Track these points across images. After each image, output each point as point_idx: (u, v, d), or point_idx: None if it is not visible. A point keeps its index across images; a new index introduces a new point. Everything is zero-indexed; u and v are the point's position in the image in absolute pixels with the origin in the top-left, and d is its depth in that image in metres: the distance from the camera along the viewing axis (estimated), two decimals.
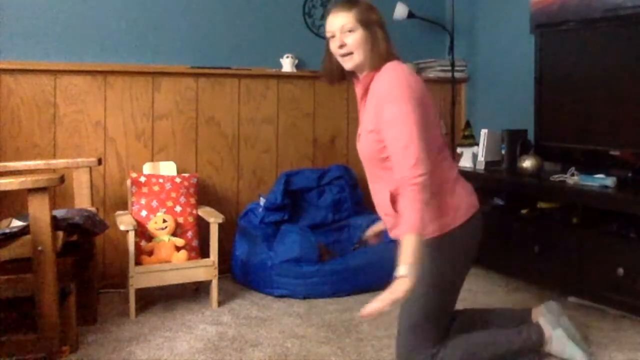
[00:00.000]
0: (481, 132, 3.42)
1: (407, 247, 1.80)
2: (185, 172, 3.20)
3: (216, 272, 2.86)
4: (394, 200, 2.01)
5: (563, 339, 2.22)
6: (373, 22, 2.06)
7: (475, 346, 2.12)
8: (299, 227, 3.17)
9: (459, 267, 2.11)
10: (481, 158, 3.40)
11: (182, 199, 3.01)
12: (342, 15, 2.03)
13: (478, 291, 3.11)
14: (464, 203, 2.07)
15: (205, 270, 2.84)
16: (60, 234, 2.34)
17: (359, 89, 2.12)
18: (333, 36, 2.05)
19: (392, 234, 2.09)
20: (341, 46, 2.03)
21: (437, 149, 2.04)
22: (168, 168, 3.16)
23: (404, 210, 1.87)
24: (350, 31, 2.02)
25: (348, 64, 2.05)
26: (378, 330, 2.60)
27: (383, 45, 2.06)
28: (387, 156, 1.99)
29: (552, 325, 2.22)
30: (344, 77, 2.17)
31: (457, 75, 3.88)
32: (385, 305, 1.77)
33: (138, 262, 2.78)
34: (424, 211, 1.85)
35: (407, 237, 1.82)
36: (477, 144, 3.50)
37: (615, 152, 2.86)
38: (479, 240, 2.14)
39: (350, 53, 2.03)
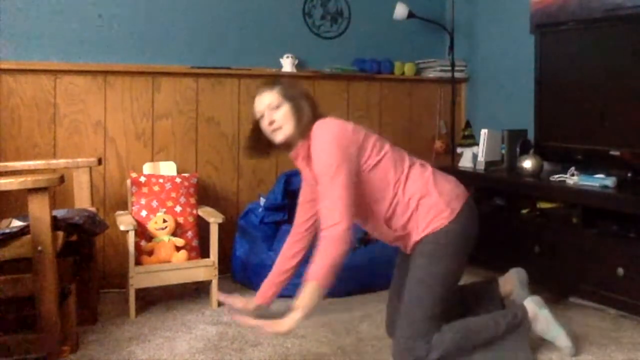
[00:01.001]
0: (481, 132, 3.42)
1: (305, 293, 1.94)
2: (185, 172, 3.20)
3: (216, 272, 2.86)
4: (390, 225, 2.19)
5: (549, 318, 2.30)
6: (297, 96, 2.20)
7: (466, 332, 2.16)
8: None
9: (461, 257, 2.19)
10: (481, 158, 3.40)
11: (182, 199, 3.01)
12: (266, 95, 2.18)
13: None
14: (453, 194, 2.20)
15: (205, 270, 2.84)
16: (60, 234, 2.34)
17: (300, 159, 2.24)
18: (262, 115, 2.19)
19: (409, 251, 2.24)
20: (270, 123, 2.16)
21: (396, 169, 2.17)
22: (168, 168, 3.16)
23: (316, 257, 1.98)
24: (277, 107, 2.16)
25: (279, 137, 2.17)
26: (378, 330, 2.60)
27: (309, 114, 2.18)
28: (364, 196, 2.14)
29: (538, 305, 2.29)
30: (268, 153, 2.32)
31: (457, 75, 3.88)
32: (263, 329, 1.94)
33: (138, 262, 2.78)
34: (332, 266, 1.96)
35: (309, 283, 1.95)
36: (477, 144, 3.50)
37: (615, 152, 2.86)
38: (477, 225, 2.24)
39: (280, 127, 2.16)
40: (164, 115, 3.27)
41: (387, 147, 2.21)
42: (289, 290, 2.96)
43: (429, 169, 2.26)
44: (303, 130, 2.15)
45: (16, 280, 2.17)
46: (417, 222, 2.16)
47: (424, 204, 2.15)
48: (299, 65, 3.55)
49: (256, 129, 2.24)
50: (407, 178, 2.17)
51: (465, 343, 2.13)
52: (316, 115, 2.19)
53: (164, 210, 2.96)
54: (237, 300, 2.42)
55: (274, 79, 2.27)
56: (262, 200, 3.25)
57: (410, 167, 2.21)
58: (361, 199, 2.14)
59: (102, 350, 2.39)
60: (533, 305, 2.29)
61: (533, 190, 3.02)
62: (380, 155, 2.16)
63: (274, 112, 2.16)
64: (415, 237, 2.17)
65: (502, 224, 3.13)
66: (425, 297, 2.12)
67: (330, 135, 2.11)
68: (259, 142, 2.27)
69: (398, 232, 2.21)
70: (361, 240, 3.28)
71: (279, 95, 2.17)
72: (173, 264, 2.81)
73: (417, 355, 2.08)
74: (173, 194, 3.00)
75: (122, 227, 2.71)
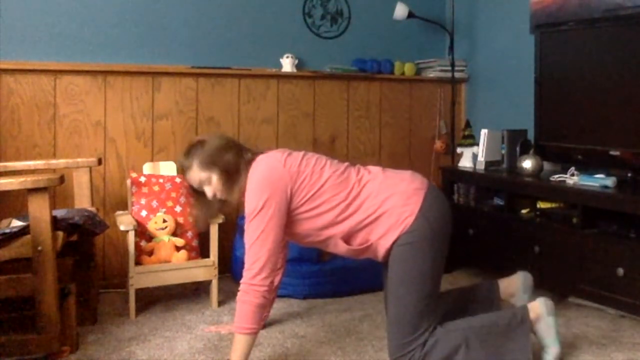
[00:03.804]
0: (481, 132, 3.42)
1: (235, 346, 2.10)
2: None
3: (216, 272, 2.86)
4: (349, 242, 2.18)
5: (551, 327, 2.21)
6: (217, 155, 2.19)
7: (464, 331, 2.14)
8: None
9: (436, 249, 2.15)
10: (481, 158, 3.40)
11: (182, 199, 3.01)
12: (190, 174, 2.22)
13: None
14: (409, 191, 2.16)
15: (205, 270, 2.85)
16: (60, 234, 2.34)
17: None
18: (201, 188, 2.24)
19: (381, 260, 2.23)
20: (214, 195, 2.23)
21: (344, 189, 2.15)
22: (168, 168, 3.16)
23: (238, 307, 2.11)
24: (208, 180, 2.20)
25: (232, 201, 2.25)
26: (378, 330, 2.60)
27: (238, 164, 2.19)
28: (319, 227, 2.17)
29: (547, 310, 2.22)
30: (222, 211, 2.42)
31: (457, 75, 3.88)
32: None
33: (138, 262, 2.78)
34: (254, 312, 2.09)
35: (236, 337, 2.10)
36: (477, 144, 3.50)
37: (615, 152, 2.86)
38: (446, 209, 2.22)
39: (225, 198, 2.21)
40: (164, 115, 3.27)
41: (327, 170, 2.17)
42: (289, 290, 2.98)
43: (379, 174, 2.22)
44: (242, 187, 2.16)
45: (16, 280, 2.17)
46: (381, 232, 2.14)
47: (383, 212, 2.13)
48: (299, 65, 3.55)
49: (200, 196, 2.28)
50: (358, 194, 2.14)
51: (462, 342, 2.11)
52: (248, 158, 2.19)
53: (164, 210, 2.96)
54: (225, 328, 2.55)
55: (187, 150, 2.25)
56: None
57: (359, 181, 2.17)
58: (311, 229, 2.17)
59: (102, 350, 2.39)
60: (542, 308, 2.22)
61: (533, 190, 3.02)
62: (322, 181, 2.14)
63: (209, 186, 2.20)
64: (384, 245, 2.15)
65: (502, 224, 3.13)
66: (407, 297, 2.10)
67: (256, 177, 2.13)
68: (210, 205, 2.30)
69: (363, 246, 2.18)
70: None
71: (201, 168, 2.18)
72: (173, 264, 2.81)
73: (413, 358, 2.07)
74: (173, 194, 3.00)
75: (122, 227, 2.71)
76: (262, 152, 2.24)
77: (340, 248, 2.21)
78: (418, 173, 2.29)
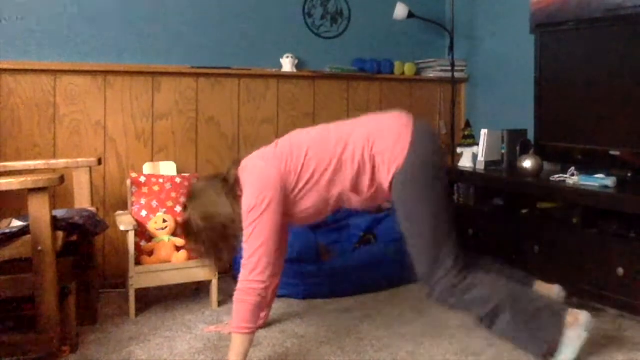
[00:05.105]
0: (481, 132, 3.42)
1: (233, 346, 2.11)
2: (185, 172, 3.20)
3: (216, 272, 2.86)
4: (358, 193, 2.22)
5: (579, 341, 2.18)
6: (214, 213, 2.21)
7: (504, 289, 2.17)
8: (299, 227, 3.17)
9: (434, 180, 2.19)
10: (481, 158, 3.40)
11: (182, 199, 3.01)
12: (190, 225, 2.25)
13: None
14: (396, 129, 2.19)
15: (205, 270, 2.84)
16: (60, 234, 2.34)
17: None
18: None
19: (384, 205, 2.33)
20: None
21: (327, 146, 2.20)
22: (168, 168, 3.16)
23: (235, 308, 2.12)
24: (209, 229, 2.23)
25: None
26: (378, 330, 2.60)
27: (233, 197, 2.20)
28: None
29: (586, 325, 2.19)
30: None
31: (457, 75, 3.88)
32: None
33: (138, 262, 2.78)
34: (251, 312, 2.10)
35: (233, 336, 2.12)
36: (477, 144, 3.50)
37: (615, 152, 2.86)
38: (436, 141, 2.29)
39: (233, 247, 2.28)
40: (164, 115, 3.27)
41: (304, 142, 2.21)
42: (289, 290, 2.98)
43: (366, 124, 2.26)
44: (240, 192, 2.19)
45: (16, 280, 2.17)
46: (379, 174, 2.19)
47: (376, 154, 2.17)
48: (299, 65, 3.55)
49: (209, 241, 2.27)
50: (345, 148, 2.18)
51: (495, 295, 2.13)
52: (233, 174, 2.22)
53: (164, 210, 2.96)
54: (225, 328, 2.54)
55: (183, 205, 2.34)
56: None
57: (340, 138, 2.20)
58: (318, 199, 2.21)
59: (102, 350, 2.39)
60: (584, 319, 2.19)
61: (533, 190, 3.02)
62: (303, 154, 2.18)
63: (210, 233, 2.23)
64: (386, 184, 2.20)
65: (502, 224, 3.13)
66: (419, 230, 2.16)
67: (249, 181, 2.17)
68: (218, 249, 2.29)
69: (371, 192, 2.22)
70: (360, 240, 3.28)
71: (204, 222, 2.21)
72: (173, 264, 2.81)
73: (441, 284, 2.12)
74: (173, 194, 3.00)
75: (122, 227, 2.71)
76: (239, 161, 2.28)
77: (354, 201, 2.26)
78: (402, 112, 2.33)
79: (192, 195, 2.28)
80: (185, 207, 2.30)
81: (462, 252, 2.20)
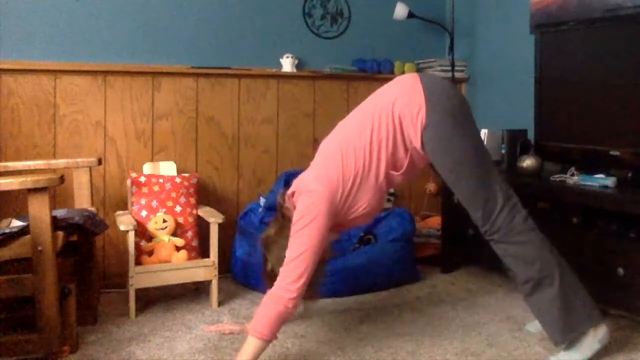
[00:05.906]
0: (481, 132, 3.41)
1: (245, 347, 2.13)
2: (185, 172, 3.20)
3: (216, 272, 2.86)
4: (398, 169, 2.27)
5: (590, 349, 2.22)
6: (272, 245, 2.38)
7: (557, 262, 2.24)
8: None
9: (462, 129, 2.23)
10: None
11: (182, 199, 3.01)
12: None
13: (478, 291, 3.11)
14: (409, 91, 2.23)
15: (205, 270, 2.84)
16: (60, 234, 2.34)
17: None
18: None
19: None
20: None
21: (356, 141, 2.23)
22: (168, 168, 3.16)
23: (260, 311, 2.14)
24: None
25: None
26: (378, 331, 2.60)
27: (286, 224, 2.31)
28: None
29: (601, 338, 2.23)
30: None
31: (457, 75, 3.88)
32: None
33: (138, 262, 2.78)
34: (276, 321, 2.11)
35: (249, 338, 2.13)
36: None
37: (615, 152, 2.86)
38: (453, 88, 2.33)
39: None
40: (164, 115, 3.27)
41: (334, 154, 2.24)
42: None
43: (376, 101, 2.29)
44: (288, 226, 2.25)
45: (16, 280, 2.17)
46: (410, 137, 2.20)
47: (402, 120, 2.19)
48: (299, 65, 3.55)
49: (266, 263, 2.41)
50: (378, 128, 2.21)
51: (545, 265, 2.20)
52: (288, 206, 2.30)
53: (164, 210, 2.96)
54: (225, 328, 2.54)
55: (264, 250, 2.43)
56: (262, 200, 3.25)
57: (369, 120, 2.23)
58: (371, 192, 2.24)
59: (102, 350, 2.39)
60: (602, 331, 2.23)
61: (533, 190, 3.02)
62: (342, 167, 2.22)
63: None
64: (417, 148, 2.21)
65: None
66: (462, 180, 2.22)
67: (299, 207, 2.20)
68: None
69: (407, 161, 2.25)
70: (360, 240, 3.28)
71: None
72: (173, 264, 2.81)
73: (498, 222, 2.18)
74: (173, 194, 3.00)
75: (122, 227, 2.71)
76: (286, 189, 2.35)
77: (397, 179, 2.30)
78: (404, 75, 2.37)
79: (267, 249, 2.37)
80: (266, 260, 2.39)
81: (512, 189, 2.26)
